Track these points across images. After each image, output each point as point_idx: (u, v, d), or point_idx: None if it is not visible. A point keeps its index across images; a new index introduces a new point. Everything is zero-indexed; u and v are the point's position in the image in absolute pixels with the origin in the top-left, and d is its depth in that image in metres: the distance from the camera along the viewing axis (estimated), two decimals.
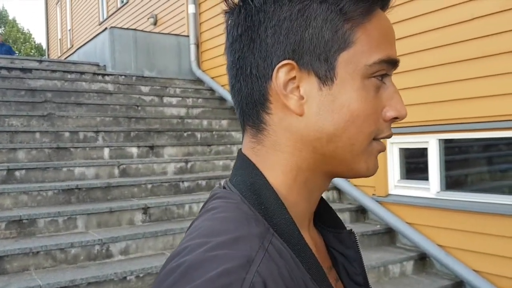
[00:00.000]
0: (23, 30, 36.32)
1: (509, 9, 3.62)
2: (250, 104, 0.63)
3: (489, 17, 3.75)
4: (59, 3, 17.66)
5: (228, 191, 0.63)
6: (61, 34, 17.63)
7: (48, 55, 19.43)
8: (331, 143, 0.60)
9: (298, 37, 0.58)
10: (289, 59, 0.59)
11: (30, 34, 36.53)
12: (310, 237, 0.67)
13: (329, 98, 0.59)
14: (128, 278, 3.31)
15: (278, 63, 0.59)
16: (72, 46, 15.91)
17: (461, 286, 4.01)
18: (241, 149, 0.67)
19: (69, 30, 16.49)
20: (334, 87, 0.59)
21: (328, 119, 0.59)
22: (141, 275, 3.36)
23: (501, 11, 3.67)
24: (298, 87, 0.60)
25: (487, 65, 3.75)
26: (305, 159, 0.62)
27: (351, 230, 0.73)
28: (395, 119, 0.63)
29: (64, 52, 16.82)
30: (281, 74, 0.59)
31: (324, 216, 0.74)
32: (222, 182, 0.69)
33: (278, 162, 0.62)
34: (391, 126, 0.64)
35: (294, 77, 0.59)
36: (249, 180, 0.62)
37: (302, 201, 0.63)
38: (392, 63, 0.62)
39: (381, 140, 0.64)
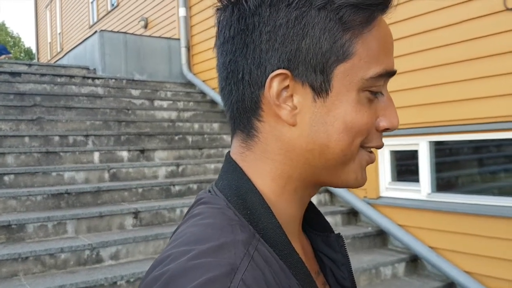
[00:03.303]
0: (13, 34, 36.10)
1: (496, 12, 3.65)
2: (241, 110, 0.61)
3: (477, 20, 3.78)
4: (49, 6, 17.57)
5: (213, 196, 0.62)
6: (51, 38, 17.54)
7: (38, 58, 19.31)
8: (323, 155, 0.59)
9: (294, 46, 0.57)
10: (283, 68, 0.57)
11: (20, 38, 36.34)
12: (299, 241, 0.66)
13: (323, 110, 0.58)
14: (118, 283, 3.28)
15: (272, 72, 0.57)
16: (62, 49, 15.83)
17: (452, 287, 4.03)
18: (229, 152, 0.66)
19: (59, 33, 16.41)
20: (329, 99, 0.58)
21: (322, 130, 0.58)
22: (131, 280, 3.33)
23: (489, 14, 3.70)
24: (291, 96, 0.58)
25: (476, 67, 3.78)
26: (296, 168, 0.61)
27: (339, 234, 0.72)
28: (386, 129, 0.62)
29: (54, 56, 16.72)
30: (274, 83, 0.57)
31: (312, 220, 0.73)
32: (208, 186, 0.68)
33: (267, 169, 0.61)
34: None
35: (288, 86, 0.58)
36: (235, 184, 0.61)
37: (291, 207, 0.63)
38: (390, 74, 0.61)
39: (371, 150, 0.64)
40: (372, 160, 0.64)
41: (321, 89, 0.57)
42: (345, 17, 0.56)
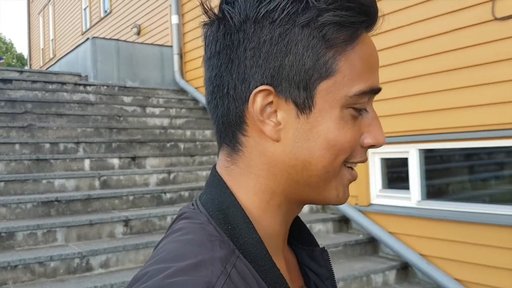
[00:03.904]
0: (5, 40, 35.95)
1: (485, 22, 3.70)
2: (226, 124, 0.62)
3: (466, 29, 3.82)
4: (42, 13, 17.54)
5: (195, 211, 0.62)
6: (44, 44, 17.51)
7: (30, 65, 19.25)
8: (306, 171, 0.59)
9: (277, 63, 0.57)
10: (267, 84, 0.58)
11: (12, 44, 36.17)
12: (283, 256, 0.67)
13: (306, 126, 0.58)
14: None
15: (256, 88, 0.58)
16: (55, 56, 15.80)
17: None
18: (215, 165, 0.66)
19: (52, 39, 16.38)
20: (312, 115, 0.58)
21: (304, 147, 0.59)
22: None
23: (477, 24, 3.74)
24: (275, 112, 0.59)
25: (465, 76, 3.82)
26: (280, 183, 0.61)
27: (324, 248, 0.72)
28: (372, 146, 0.62)
29: (47, 62, 16.68)
30: (258, 99, 0.58)
31: (298, 235, 0.73)
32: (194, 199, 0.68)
33: (251, 184, 0.61)
34: None
35: (272, 102, 0.58)
36: (217, 198, 0.61)
37: (275, 223, 0.63)
38: (374, 91, 0.61)
39: (354, 166, 0.64)
40: (354, 178, 0.64)
41: (304, 106, 0.58)
42: (328, 34, 0.57)
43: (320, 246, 0.73)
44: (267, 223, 0.61)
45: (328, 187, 0.61)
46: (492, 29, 3.67)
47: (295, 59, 0.57)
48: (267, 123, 0.59)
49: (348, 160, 0.61)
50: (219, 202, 0.61)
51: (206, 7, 0.62)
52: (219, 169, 0.64)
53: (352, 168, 0.64)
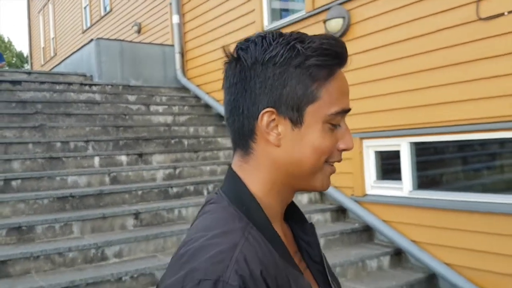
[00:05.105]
0: (3, 38, 36.05)
1: (470, 22, 3.94)
2: (241, 134, 0.88)
3: (452, 29, 4.07)
4: (42, 11, 17.70)
5: (219, 197, 0.89)
6: (44, 43, 17.66)
7: (31, 64, 19.44)
8: (299, 167, 0.86)
9: (278, 92, 0.82)
10: (271, 107, 0.83)
11: (11, 42, 36.29)
12: (281, 229, 0.94)
13: (298, 136, 0.84)
14: (123, 278, 3.55)
15: (263, 109, 0.83)
16: (56, 54, 15.99)
17: (434, 278, 4.31)
18: (231, 164, 0.93)
19: (52, 38, 16.55)
20: (303, 128, 0.84)
21: (297, 151, 0.84)
22: (135, 275, 3.60)
23: (463, 24, 3.99)
24: (277, 126, 0.84)
25: (452, 74, 4.07)
26: (279, 176, 0.87)
27: (311, 223, 1.00)
28: (344, 150, 0.89)
29: (48, 61, 16.87)
30: (265, 117, 0.83)
31: (293, 214, 1.01)
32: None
33: (259, 177, 0.87)
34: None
35: (274, 119, 0.84)
36: (234, 188, 0.88)
37: (275, 204, 0.89)
38: (345, 111, 0.87)
39: (333, 164, 0.90)
40: (333, 171, 0.91)
41: (297, 122, 0.84)
42: (313, 73, 0.82)
43: (309, 222, 1.00)
44: (270, 204, 0.88)
45: (315, 178, 0.88)
46: (476, 28, 3.92)
47: (291, 90, 0.83)
48: (271, 134, 0.85)
49: (329, 160, 0.88)
50: (236, 191, 0.88)
51: (226, 52, 0.88)
52: (234, 167, 0.91)
53: (332, 164, 0.91)
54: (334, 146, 0.87)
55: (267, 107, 0.83)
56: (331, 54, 0.83)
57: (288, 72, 0.82)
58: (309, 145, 0.84)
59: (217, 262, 0.72)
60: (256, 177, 0.87)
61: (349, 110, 0.88)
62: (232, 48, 0.90)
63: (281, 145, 0.84)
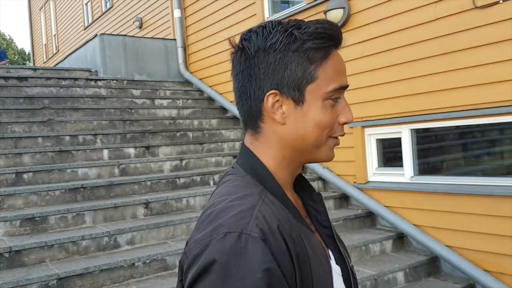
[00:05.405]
0: (5, 36, 36.15)
1: (467, 10, 4.05)
2: (250, 116, 0.99)
3: (450, 17, 4.17)
4: (43, 9, 17.78)
5: (236, 169, 1.02)
6: (46, 39, 17.75)
7: (34, 60, 19.54)
8: (303, 142, 0.96)
9: (280, 75, 0.92)
10: (274, 89, 0.94)
11: (12, 40, 36.39)
12: (292, 196, 1.06)
13: (301, 113, 0.94)
14: (136, 264, 3.69)
15: (267, 92, 0.93)
16: (58, 51, 16.09)
17: (436, 261, 4.44)
18: (243, 141, 1.06)
19: (54, 35, 16.64)
20: (304, 106, 0.94)
21: (301, 127, 0.95)
22: (147, 261, 3.74)
23: (460, 12, 4.09)
24: (281, 106, 0.95)
25: (449, 61, 4.17)
26: (287, 151, 0.98)
27: (319, 192, 1.12)
28: (345, 123, 0.99)
29: (50, 57, 16.98)
30: (270, 99, 0.94)
31: (302, 184, 1.13)
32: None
33: (269, 152, 0.99)
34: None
35: (278, 100, 0.95)
36: (249, 161, 1.00)
37: (285, 175, 1.01)
38: (343, 88, 0.98)
39: (336, 137, 1.01)
40: (337, 143, 1.03)
41: (298, 101, 0.94)
42: (310, 55, 0.92)
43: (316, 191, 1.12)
44: (281, 175, 1.00)
45: (320, 151, 0.99)
46: (473, 16, 4.02)
47: (291, 72, 0.93)
48: (277, 113, 0.95)
49: (331, 134, 0.99)
50: (251, 163, 1.00)
51: (232, 43, 1.00)
52: (247, 144, 1.03)
53: (336, 138, 1.02)
54: (334, 121, 0.96)
55: (271, 89, 0.93)
56: (325, 37, 0.93)
57: (287, 56, 0.91)
58: (311, 121, 0.94)
59: (239, 219, 0.84)
60: (266, 152, 0.98)
61: (347, 86, 0.98)
62: (237, 39, 1.01)
63: (286, 123, 0.94)
